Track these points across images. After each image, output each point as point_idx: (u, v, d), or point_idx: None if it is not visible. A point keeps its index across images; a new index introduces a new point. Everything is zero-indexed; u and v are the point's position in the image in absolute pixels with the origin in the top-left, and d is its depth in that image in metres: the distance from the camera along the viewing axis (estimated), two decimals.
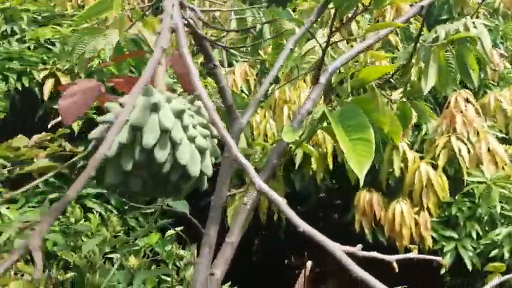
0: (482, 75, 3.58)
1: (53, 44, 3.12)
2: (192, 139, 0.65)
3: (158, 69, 0.74)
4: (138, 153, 0.61)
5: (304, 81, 3.52)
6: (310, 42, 1.81)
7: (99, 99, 0.91)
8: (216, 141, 0.73)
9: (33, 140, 1.25)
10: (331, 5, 1.07)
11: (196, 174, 0.66)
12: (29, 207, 2.29)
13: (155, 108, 0.63)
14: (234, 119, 0.97)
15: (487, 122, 3.26)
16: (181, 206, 1.32)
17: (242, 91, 3.55)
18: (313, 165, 3.05)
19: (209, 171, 0.69)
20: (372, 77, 1.17)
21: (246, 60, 3.80)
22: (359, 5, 1.07)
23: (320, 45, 1.16)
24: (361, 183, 0.93)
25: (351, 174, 1.12)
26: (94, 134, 0.65)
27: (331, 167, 2.99)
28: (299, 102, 3.42)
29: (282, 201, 0.64)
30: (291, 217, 0.57)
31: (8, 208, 1.99)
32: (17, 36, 3.08)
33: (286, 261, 3.81)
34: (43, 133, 1.28)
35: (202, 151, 0.67)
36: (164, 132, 0.62)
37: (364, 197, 2.89)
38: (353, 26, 3.43)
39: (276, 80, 3.29)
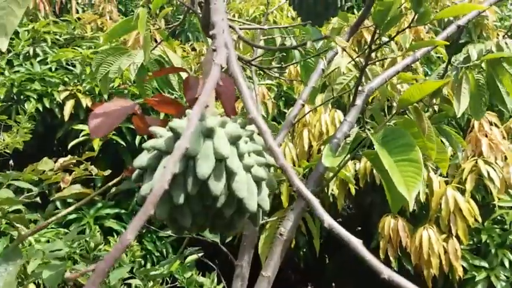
0: None
1: (74, 66, 3.12)
2: (248, 169, 0.58)
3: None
4: (190, 185, 0.54)
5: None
6: (339, 62, 1.76)
7: (135, 120, 0.88)
8: (272, 170, 0.65)
9: (59, 163, 1.21)
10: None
11: (253, 209, 0.58)
12: (47, 228, 2.24)
13: (209, 133, 0.56)
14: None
15: None
16: (212, 235, 1.25)
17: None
18: (335, 191, 2.97)
19: (266, 205, 0.61)
20: (417, 97, 1.10)
21: (264, 83, 3.78)
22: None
23: (358, 65, 1.11)
24: (410, 207, 0.88)
25: (395, 202, 1.04)
26: (139, 162, 0.58)
27: (353, 192, 2.91)
28: (319, 126, 3.37)
29: (358, 242, 0.49)
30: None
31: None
32: (39, 58, 3.09)
33: None
34: (68, 156, 1.25)
35: (258, 182, 0.60)
36: (220, 161, 0.55)
37: (389, 223, 2.79)
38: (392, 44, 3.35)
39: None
